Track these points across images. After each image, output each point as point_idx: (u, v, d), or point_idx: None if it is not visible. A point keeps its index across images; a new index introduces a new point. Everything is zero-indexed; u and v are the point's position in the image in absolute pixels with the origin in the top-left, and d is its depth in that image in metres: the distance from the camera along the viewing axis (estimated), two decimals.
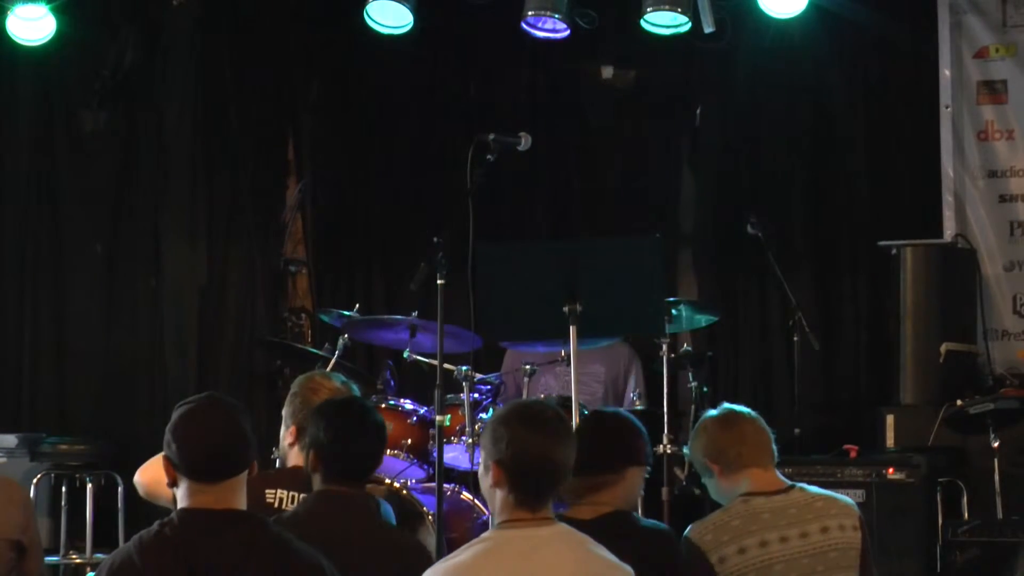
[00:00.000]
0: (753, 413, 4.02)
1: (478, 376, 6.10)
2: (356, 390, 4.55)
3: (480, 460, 3.43)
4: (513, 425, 3.34)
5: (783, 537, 3.76)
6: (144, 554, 3.23)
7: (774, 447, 3.98)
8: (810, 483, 3.99)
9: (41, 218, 7.94)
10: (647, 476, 3.98)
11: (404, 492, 5.97)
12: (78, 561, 7.09)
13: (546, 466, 3.32)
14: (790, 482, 3.92)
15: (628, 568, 3.35)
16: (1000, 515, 6.09)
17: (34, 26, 7.15)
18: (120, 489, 7.14)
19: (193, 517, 3.28)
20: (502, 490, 3.33)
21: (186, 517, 3.28)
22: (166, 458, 3.32)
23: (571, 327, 4.94)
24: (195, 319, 7.91)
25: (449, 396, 5.73)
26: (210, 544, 3.24)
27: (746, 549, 3.74)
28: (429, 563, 3.61)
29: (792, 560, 3.74)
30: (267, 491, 4.14)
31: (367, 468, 3.93)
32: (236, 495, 3.32)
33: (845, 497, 3.96)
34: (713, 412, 4.04)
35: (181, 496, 3.31)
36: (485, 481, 3.38)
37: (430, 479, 6.07)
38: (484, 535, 3.37)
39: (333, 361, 6.50)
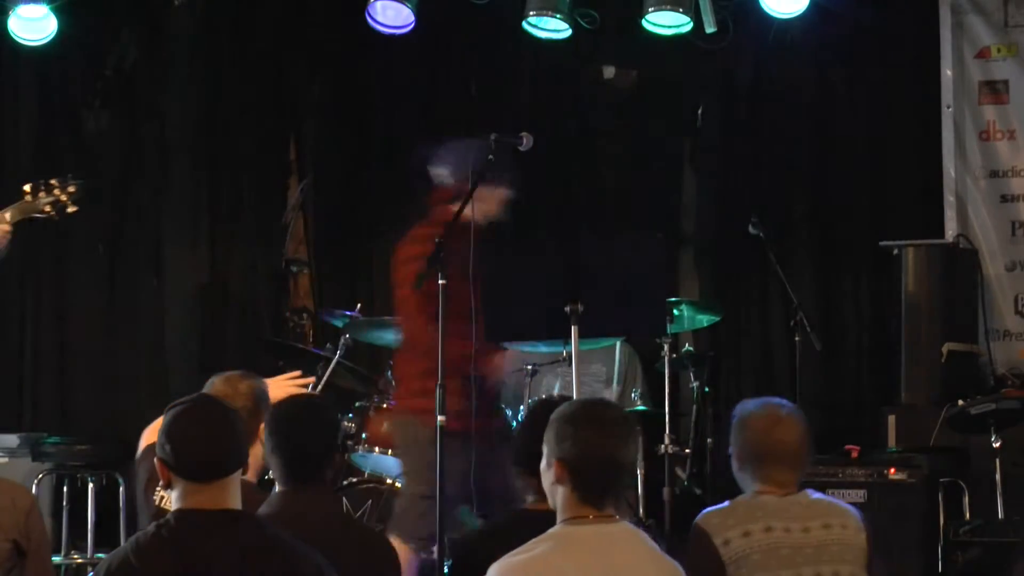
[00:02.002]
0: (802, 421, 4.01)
1: None
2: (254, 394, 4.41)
3: (543, 456, 3.46)
4: (578, 424, 3.39)
5: (787, 528, 3.81)
6: (141, 555, 3.24)
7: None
8: (811, 484, 4.01)
9: (42, 218, 7.93)
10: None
11: None
12: (79, 561, 7.09)
13: (610, 465, 3.38)
14: (799, 489, 3.95)
15: (680, 568, 3.42)
16: (1001, 515, 6.09)
17: (35, 26, 7.15)
18: (121, 489, 7.14)
19: (189, 518, 3.28)
20: (565, 487, 3.38)
21: (182, 518, 3.28)
22: (160, 460, 3.32)
23: (572, 327, 4.94)
24: (197, 319, 7.91)
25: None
26: (207, 544, 3.24)
27: (751, 532, 3.78)
28: (394, 557, 3.61)
29: (796, 547, 3.78)
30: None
31: (316, 467, 3.87)
32: (231, 495, 3.32)
33: (848, 505, 3.99)
34: (781, 407, 4.00)
35: (176, 497, 3.31)
36: (547, 477, 3.42)
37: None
38: (550, 531, 3.39)
39: (334, 361, 6.51)
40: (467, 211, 5.13)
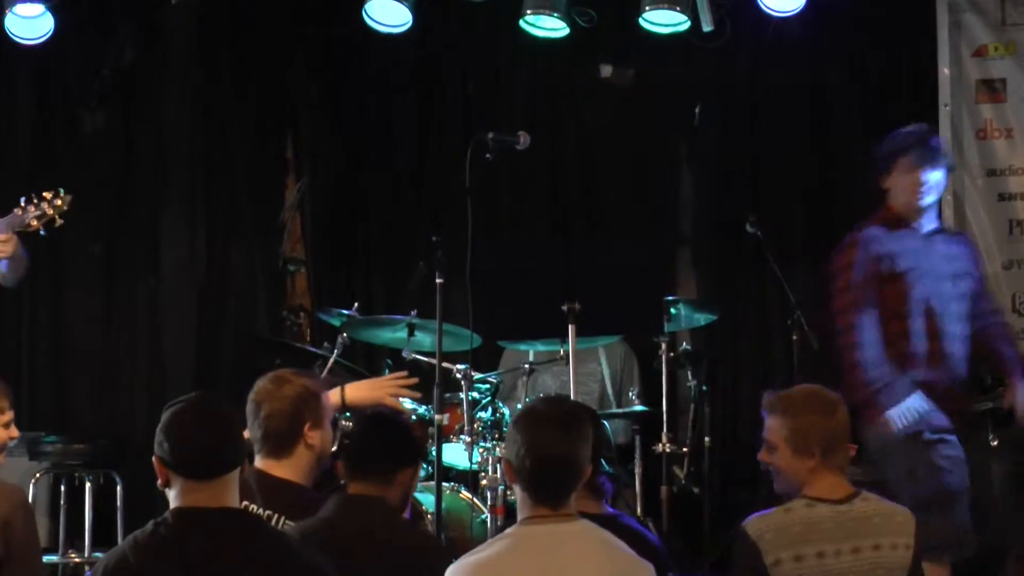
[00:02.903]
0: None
1: (477, 375, 6.11)
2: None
3: None
4: (522, 424, 3.42)
5: (838, 551, 3.75)
6: (139, 553, 3.24)
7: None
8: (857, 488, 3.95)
9: None
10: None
11: None
12: (77, 560, 7.09)
13: (554, 464, 3.39)
14: (855, 488, 3.89)
15: (649, 564, 3.40)
16: (1000, 514, 6.08)
17: (32, 25, 7.13)
18: (119, 488, 7.14)
19: (188, 516, 3.28)
20: (518, 487, 3.42)
21: (181, 516, 3.29)
22: (158, 458, 3.33)
23: (570, 326, 4.94)
24: (194, 318, 7.90)
25: (448, 395, 5.73)
26: (205, 542, 3.24)
27: (803, 557, 3.73)
28: (447, 560, 3.62)
29: (842, 575, 3.74)
30: None
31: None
32: (229, 493, 3.32)
33: (904, 510, 3.93)
34: (815, 389, 3.98)
35: (175, 496, 3.32)
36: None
37: (429, 478, 6.07)
38: (507, 531, 3.44)
39: (332, 360, 6.50)
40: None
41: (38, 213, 5.54)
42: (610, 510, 3.83)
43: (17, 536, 4.05)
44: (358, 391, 4.88)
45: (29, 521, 4.29)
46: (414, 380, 5.04)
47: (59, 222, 5.59)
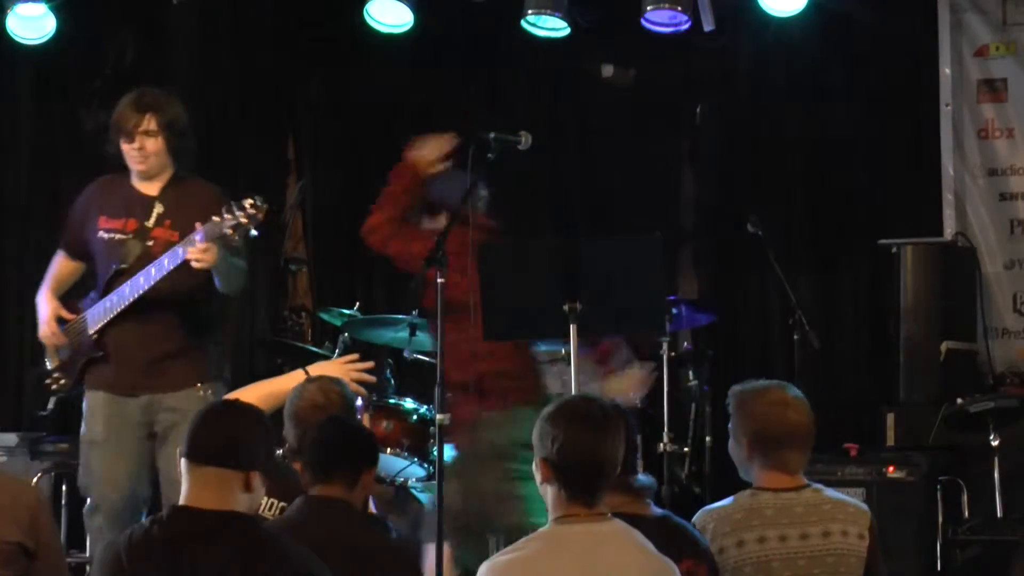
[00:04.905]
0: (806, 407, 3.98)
1: None
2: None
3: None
4: (559, 422, 3.39)
5: (782, 536, 3.76)
6: (131, 552, 3.26)
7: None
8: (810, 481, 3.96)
9: (41, 217, 7.93)
10: None
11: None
12: (78, 560, 7.09)
13: (593, 462, 3.37)
14: (806, 481, 3.90)
15: (674, 565, 3.40)
16: (1000, 514, 6.09)
17: (34, 25, 7.14)
18: None
19: (182, 515, 3.30)
20: (553, 486, 3.38)
21: (176, 515, 3.31)
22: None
23: (571, 326, 4.94)
24: None
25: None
26: (196, 543, 3.24)
27: (744, 543, 3.75)
28: (416, 564, 3.62)
29: (789, 559, 3.74)
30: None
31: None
32: (225, 494, 3.31)
33: (859, 503, 3.94)
34: (784, 389, 3.98)
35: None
36: (537, 477, 3.43)
37: (430, 478, 6.07)
38: (540, 531, 3.41)
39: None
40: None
41: (233, 222, 5.26)
42: (657, 510, 3.80)
43: (46, 529, 4.07)
44: (321, 373, 4.87)
45: (51, 515, 4.31)
46: (369, 364, 5.02)
47: (253, 232, 5.21)
